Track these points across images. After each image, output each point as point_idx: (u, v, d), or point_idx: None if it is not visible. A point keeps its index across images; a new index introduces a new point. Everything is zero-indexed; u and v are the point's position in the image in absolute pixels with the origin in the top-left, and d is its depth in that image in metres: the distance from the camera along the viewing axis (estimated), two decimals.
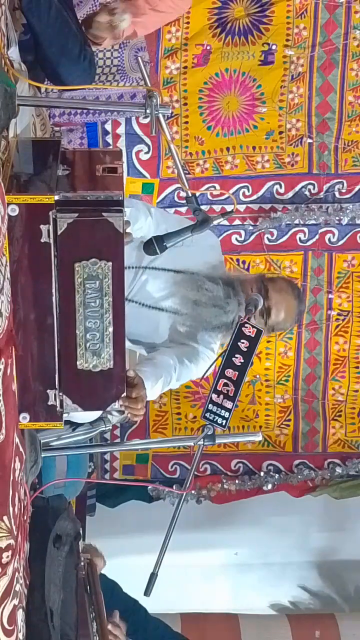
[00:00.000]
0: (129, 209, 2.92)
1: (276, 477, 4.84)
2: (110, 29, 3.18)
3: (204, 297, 3.07)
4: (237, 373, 2.81)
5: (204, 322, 3.10)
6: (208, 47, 4.20)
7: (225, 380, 2.80)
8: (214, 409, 2.80)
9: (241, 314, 3.09)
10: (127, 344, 3.23)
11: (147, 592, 2.70)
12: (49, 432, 2.87)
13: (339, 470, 4.84)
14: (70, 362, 2.37)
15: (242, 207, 4.51)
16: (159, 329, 3.16)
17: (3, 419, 2.00)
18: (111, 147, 4.22)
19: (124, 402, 2.54)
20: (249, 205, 4.52)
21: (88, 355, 2.37)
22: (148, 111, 2.55)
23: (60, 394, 2.40)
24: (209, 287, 3.06)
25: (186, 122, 4.32)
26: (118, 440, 4.68)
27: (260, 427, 4.79)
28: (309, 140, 4.43)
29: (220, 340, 3.19)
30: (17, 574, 2.07)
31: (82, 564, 2.85)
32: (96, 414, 2.98)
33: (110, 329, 2.35)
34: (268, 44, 4.23)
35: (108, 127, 4.24)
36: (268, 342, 4.69)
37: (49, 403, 2.40)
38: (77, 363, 2.37)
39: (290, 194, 4.53)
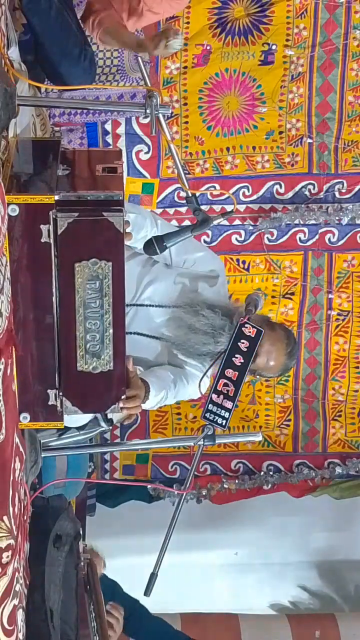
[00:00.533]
0: (133, 214, 2.90)
1: (276, 476, 4.84)
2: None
3: (199, 324, 3.01)
4: (237, 373, 2.81)
5: (192, 347, 3.04)
6: (208, 47, 4.20)
7: (225, 380, 2.80)
8: (214, 409, 2.81)
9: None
10: None
11: (147, 592, 2.70)
12: (49, 432, 2.88)
13: (339, 470, 4.84)
14: (70, 364, 2.36)
15: (242, 207, 4.51)
16: (158, 355, 3.13)
17: (3, 419, 2.00)
18: (111, 147, 4.22)
19: (123, 403, 2.52)
20: (249, 205, 4.52)
21: (88, 357, 2.36)
22: (148, 111, 2.55)
23: (60, 394, 2.39)
24: (206, 314, 3.00)
25: (186, 122, 4.33)
26: (118, 440, 4.68)
27: (260, 427, 4.79)
28: (309, 140, 4.43)
29: (211, 369, 3.09)
30: (17, 574, 2.07)
31: (82, 564, 2.85)
32: (85, 419, 2.97)
33: (110, 330, 2.34)
34: (268, 44, 4.23)
35: (108, 127, 4.24)
36: None
37: (49, 403, 2.40)
38: (77, 365, 2.36)
39: (290, 194, 4.54)
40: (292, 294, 4.65)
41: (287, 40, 4.24)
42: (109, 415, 2.95)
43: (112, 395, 2.43)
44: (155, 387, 2.91)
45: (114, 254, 2.29)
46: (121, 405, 2.48)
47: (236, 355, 2.82)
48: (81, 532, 2.76)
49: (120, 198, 2.28)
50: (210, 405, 2.81)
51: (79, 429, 3.01)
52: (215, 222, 2.81)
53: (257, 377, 3.23)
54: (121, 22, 3.33)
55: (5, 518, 1.98)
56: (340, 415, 4.86)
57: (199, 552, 5.19)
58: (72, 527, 2.60)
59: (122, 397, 2.45)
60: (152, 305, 3.07)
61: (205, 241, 4.43)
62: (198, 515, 4.87)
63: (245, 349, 2.82)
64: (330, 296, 4.68)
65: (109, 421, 2.91)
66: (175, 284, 3.09)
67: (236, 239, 4.55)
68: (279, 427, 4.85)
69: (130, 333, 3.03)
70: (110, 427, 3.00)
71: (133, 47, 3.22)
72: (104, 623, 2.78)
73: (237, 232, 4.53)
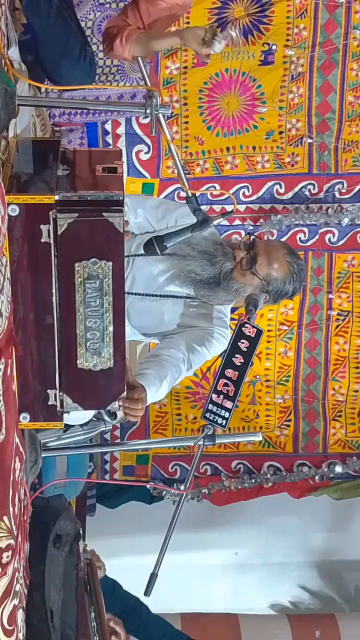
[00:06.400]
0: None
1: (276, 476, 4.84)
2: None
3: (193, 252, 3.09)
4: (237, 373, 2.81)
5: (193, 275, 3.10)
6: None
7: (226, 380, 2.80)
8: (214, 409, 2.81)
9: (229, 263, 3.11)
10: (139, 337, 3.24)
11: (147, 592, 2.70)
12: (49, 432, 2.88)
13: (339, 469, 4.84)
14: (71, 362, 2.37)
15: (242, 207, 4.51)
16: (164, 318, 3.16)
17: (3, 419, 2.00)
18: (111, 147, 4.22)
19: (124, 403, 2.53)
20: (249, 205, 4.52)
21: (88, 355, 2.36)
22: (148, 111, 2.55)
23: (61, 393, 2.40)
24: (196, 242, 3.07)
25: (186, 122, 4.33)
26: (118, 440, 4.68)
27: (261, 427, 4.79)
28: (309, 140, 4.43)
29: (229, 307, 3.21)
30: (17, 574, 2.07)
31: (82, 564, 2.85)
32: (88, 416, 2.97)
33: (111, 328, 2.35)
34: (268, 44, 4.23)
35: (108, 127, 4.24)
36: (268, 342, 4.70)
37: (49, 403, 2.40)
38: (77, 362, 2.37)
39: (290, 194, 4.54)
40: None
41: (287, 40, 4.24)
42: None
43: (112, 392, 2.43)
44: (155, 382, 2.92)
45: (114, 254, 2.29)
46: (124, 404, 2.49)
47: (236, 355, 2.82)
48: (81, 532, 2.76)
49: (120, 198, 2.28)
50: (210, 405, 2.81)
51: (82, 425, 3.01)
52: (215, 222, 2.81)
53: (269, 295, 3.18)
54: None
55: (5, 518, 1.98)
56: (340, 416, 4.86)
57: (199, 552, 5.19)
58: (72, 527, 2.60)
59: (122, 395, 2.45)
60: (142, 255, 3.10)
61: None
62: (198, 515, 4.87)
63: (245, 349, 2.82)
64: (330, 296, 4.68)
65: (113, 414, 2.90)
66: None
67: (236, 239, 4.55)
68: (279, 428, 4.85)
69: (132, 294, 3.10)
70: (115, 421, 2.99)
71: (174, 40, 3.02)
72: (104, 623, 2.78)
73: (237, 232, 4.53)
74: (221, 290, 3.11)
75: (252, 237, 3.14)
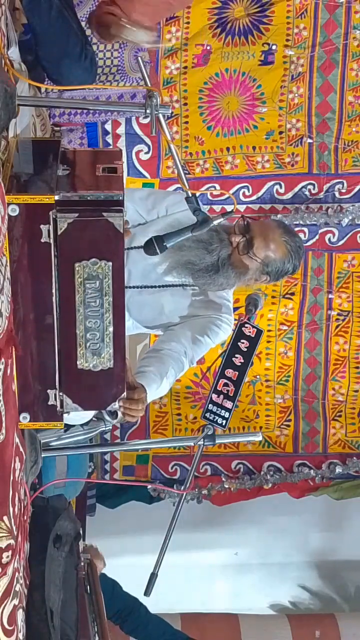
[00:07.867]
0: None
1: (276, 476, 4.84)
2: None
3: (188, 241, 3.07)
4: (237, 373, 2.81)
5: (191, 264, 3.10)
6: (208, 47, 4.20)
7: (226, 380, 2.80)
8: (214, 409, 2.81)
9: (226, 250, 3.09)
10: (142, 329, 3.23)
11: (147, 592, 2.71)
12: (49, 432, 2.88)
13: (339, 469, 4.85)
14: (71, 362, 2.37)
15: (242, 207, 4.51)
16: (165, 309, 3.15)
17: (3, 419, 2.00)
18: (111, 147, 4.22)
19: (124, 403, 2.53)
20: (249, 205, 4.52)
21: (88, 355, 2.36)
22: (148, 111, 2.55)
23: (61, 393, 2.40)
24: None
25: (186, 122, 4.33)
26: (118, 440, 4.68)
27: (261, 427, 4.79)
28: (309, 140, 4.43)
29: (230, 292, 3.21)
30: (17, 574, 2.07)
31: (82, 564, 2.85)
32: (89, 416, 2.98)
33: (111, 329, 2.35)
34: (268, 44, 4.23)
35: (108, 127, 4.24)
36: (268, 342, 4.69)
37: (49, 403, 2.40)
38: (77, 363, 2.37)
39: (290, 194, 4.54)
40: (292, 294, 4.65)
41: (287, 40, 4.24)
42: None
43: (112, 393, 2.43)
44: (155, 379, 2.92)
45: (114, 254, 2.29)
46: (122, 404, 2.49)
47: (236, 355, 2.82)
48: (81, 532, 2.76)
49: (120, 198, 2.28)
50: (210, 405, 2.81)
51: (82, 425, 3.01)
52: (215, 222, 2.81)
53: (269, 276, 3.18)
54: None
55: (5, 518, 1.98)
56: (340, 416, 4.86)
57: (199, 552, 5.19)
58: (72, 527, 2.60)
59: (122, 395, 2.45)
60: (136, 247, 3.08)
61: None
62: (198, 515, 4.88)
63: (245, 349, 2.83)
64: (330, 296, 4.68)
65: (114, 414, 2.90)
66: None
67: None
68: (279, 428, 4.85)
69: (131, 287, 3.09)
70: (115, 420, 2.99)
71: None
72: (104, 622, 2.78)
73: None
74: (221, 277, 3.10)
75: (247, 220, 3.13)
